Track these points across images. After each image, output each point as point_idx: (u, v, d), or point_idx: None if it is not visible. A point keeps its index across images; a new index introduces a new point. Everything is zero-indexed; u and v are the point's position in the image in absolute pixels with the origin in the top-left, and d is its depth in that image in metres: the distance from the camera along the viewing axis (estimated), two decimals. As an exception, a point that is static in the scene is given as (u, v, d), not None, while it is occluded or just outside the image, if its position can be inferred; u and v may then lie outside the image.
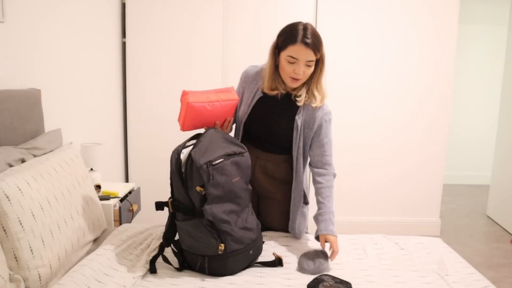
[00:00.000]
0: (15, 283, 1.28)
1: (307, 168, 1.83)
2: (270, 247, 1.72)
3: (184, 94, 1.60)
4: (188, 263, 1.55)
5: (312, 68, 1.63)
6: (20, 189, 1.33)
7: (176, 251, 1.57)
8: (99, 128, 2.79)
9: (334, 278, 1.44)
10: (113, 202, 2.21)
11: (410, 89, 3.30)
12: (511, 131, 3.67)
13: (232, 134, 1.85)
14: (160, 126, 3.21)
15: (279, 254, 1.64)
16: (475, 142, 5.04)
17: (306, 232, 1.88)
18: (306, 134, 1.72)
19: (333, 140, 1.78)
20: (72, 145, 1.93)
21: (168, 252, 1.65)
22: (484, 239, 3.43)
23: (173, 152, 1.51)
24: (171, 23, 3.12)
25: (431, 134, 3.36)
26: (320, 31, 1.63)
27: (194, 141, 1.56)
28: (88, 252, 1.69)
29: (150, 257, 1.57)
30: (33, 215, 1.35)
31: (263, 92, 1.73)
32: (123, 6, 3.13)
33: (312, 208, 1.85)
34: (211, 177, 1.44)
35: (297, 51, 1.57)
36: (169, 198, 1.56)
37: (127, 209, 2.32)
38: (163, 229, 1.84)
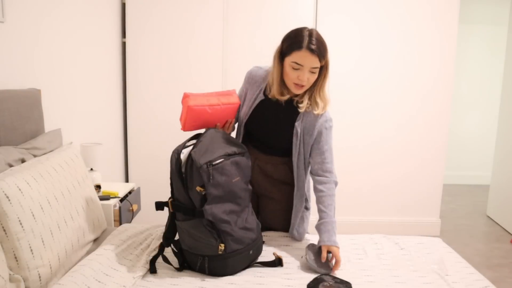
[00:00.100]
0: (15, 283, 1.28)
1: (309, 174, 1.80)
2: (270, 247, 1.72)
3: (185, 96, 1.61)
4: (188, 263, 1.55)
5: (316, 75, 1.60)
6: (20, 189, 1.33)
7: (176, 251, 1.57)
8: (99, 128, 2.78)
9: (334, 278, 1.44)
10: (113, 202, 2.21)
11: (410, 89, 3.30)
12: (511, 131, 3.67)
13: (233, 134, 1.85)
14: (160, 126, 3.21)
15: (279, 254, 1.64)
16: (475, 142, 5.04)
17: (307, 232, 1.87)
18: (306, 140, 1.70)
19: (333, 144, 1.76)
20: (72, 145, 1.93)
21: (168, 252, 1.65)
22: (484, 239, 3.43)
23: (173, 152, 1.51)
24: (171, 23, 3.12)
25: (431, 134, 3.36)
26: (320, 31, 1.62)
27: (194, 141, 1.56)
28: (88, 252, 1.69)
29: (150, 257, 1.57)
30: (33, 215, 1.35)
31: (265, 95, 1.72)
32: (123, 6, 3.13)
33: (312, 208, 1.85)
34: (211, 177, 1.44)
35: (302, 57, 1.54)
36: (169, 198, 1.56)
37: (127, 209, 2.32)
38: (163, 229, 1.84)
